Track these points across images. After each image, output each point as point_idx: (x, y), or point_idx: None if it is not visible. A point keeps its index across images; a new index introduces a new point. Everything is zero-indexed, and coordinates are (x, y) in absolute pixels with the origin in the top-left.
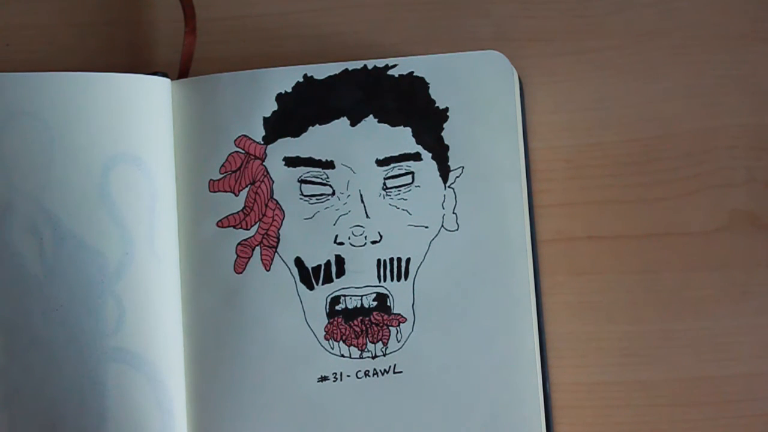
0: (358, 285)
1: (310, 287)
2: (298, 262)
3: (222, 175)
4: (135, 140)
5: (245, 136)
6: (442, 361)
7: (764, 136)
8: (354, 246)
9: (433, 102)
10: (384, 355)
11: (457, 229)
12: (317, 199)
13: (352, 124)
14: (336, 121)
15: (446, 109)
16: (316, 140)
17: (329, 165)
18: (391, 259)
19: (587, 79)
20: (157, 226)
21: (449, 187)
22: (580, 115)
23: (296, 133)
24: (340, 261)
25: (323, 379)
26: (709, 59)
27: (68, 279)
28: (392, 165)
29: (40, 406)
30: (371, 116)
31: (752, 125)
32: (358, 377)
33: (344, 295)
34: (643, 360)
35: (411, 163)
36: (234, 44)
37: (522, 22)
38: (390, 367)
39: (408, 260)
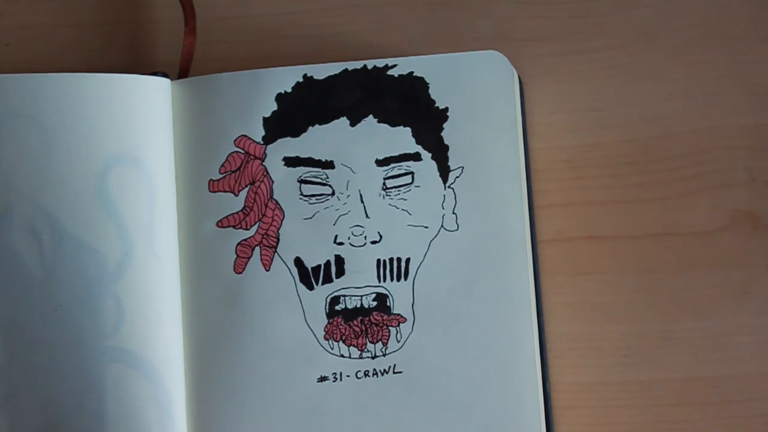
0: (358, 285)
1: (310, 287)
2: (298, 262)
3: (222, 175)
4: (135, 140)
5: (245, 136)
6: (442, 361)
7: (764, 136)
8: (354, 246)
9: (433, 102)
10: (384, 355)
11: (457, 229)
12: (317, 199)
13: (352, 124)
14: (336, 121)
15: (446, 109)
16: (316, 140)
17: (329, 165)
18: (391, 259)
19: (587, 79)
20: (157, 226)
21: (449, 187)
22: (580, 115)
23: (296, 133)
24: (339, 261)
25: (323, 379)
26: (709, 59)
27: (67, 279)
28: (392, 165)
29: (40, 407)
30: (371, 116)
31: (752, 125)
32: (357, 377)
33: (344, 295)
34: (643, 360)
35: (411, 163)
36: (234, 44)
37: (522, 22)
38: (390, 367)
39: (408, 260)
